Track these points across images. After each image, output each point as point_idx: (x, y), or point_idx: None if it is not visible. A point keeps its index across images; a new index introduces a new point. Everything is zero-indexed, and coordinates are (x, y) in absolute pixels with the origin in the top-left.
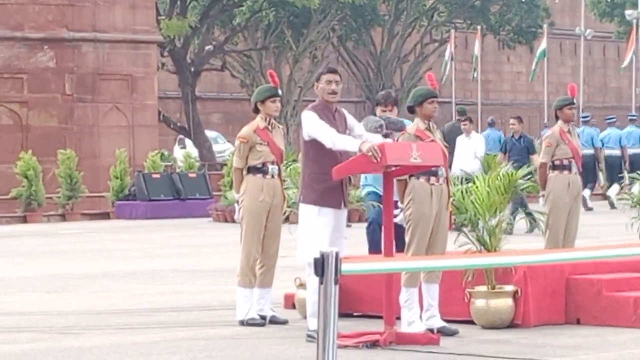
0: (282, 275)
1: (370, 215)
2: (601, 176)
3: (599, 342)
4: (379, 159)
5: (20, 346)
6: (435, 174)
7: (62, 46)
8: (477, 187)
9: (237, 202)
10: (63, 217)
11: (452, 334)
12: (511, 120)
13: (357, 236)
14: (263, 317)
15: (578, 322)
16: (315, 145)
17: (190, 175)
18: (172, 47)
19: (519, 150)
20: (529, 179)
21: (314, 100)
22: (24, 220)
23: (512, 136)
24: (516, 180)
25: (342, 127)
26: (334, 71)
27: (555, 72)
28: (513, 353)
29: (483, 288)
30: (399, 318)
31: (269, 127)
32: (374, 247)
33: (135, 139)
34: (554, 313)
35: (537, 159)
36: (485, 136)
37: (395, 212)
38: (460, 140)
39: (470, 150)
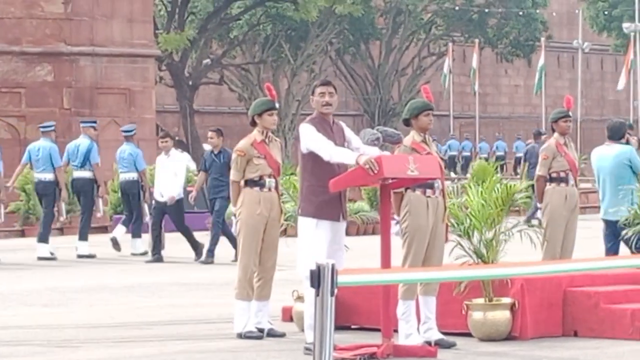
0: (280, 288)
1: None
2: None
3: (597, 355)
4: (376, 172)
5: None
6: (432, 187)
7: (60, 60)
8: (471, 199)
9: (235, 215)
10: (61, 231)
11: (450, 346)
12: (209, 134)
13: (356, 249)
14: (261, 330)
15: (575, 335)
16: (313, 158)
17: (189, 188)
18: (170, 60)
19: (219, 167)
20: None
21: (311, 114)
22: (22, 234)
23: (212, 152)
24: (514, 193)
25: (339, 140)
26: (327, 83)
27: (553, 85)
28: None
29: (480, 300)
30: (396, 330)
31: (266, 141)
32: None
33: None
34: (551, 325)
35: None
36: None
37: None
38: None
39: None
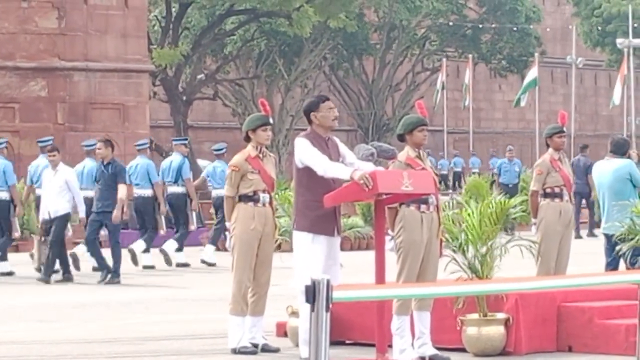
0: (274, 303)
1: None
2: None
3: None
4: (370, 187)
5: None
6: (426, 202)
7: (54, 75)
8: (468, 215)
9: (229, 230)
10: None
11: None
12: (97, 144)
13: (350, 264)
14: (255, 345)
15: (570, 350)
16: (308, 173)
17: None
18: (164, 76)
19: (108, 178)
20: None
21: (306, 129)
22: (16, 249)
23: (102, 162)
24: (508, 209)
25: (334, 155)
26: (329, 98)
27: (547, 101)
28: None
29: (475, 316)
30: (390, 346)
31: (261, 156)
32: None
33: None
34: (545, 341)
35: (124, 188)
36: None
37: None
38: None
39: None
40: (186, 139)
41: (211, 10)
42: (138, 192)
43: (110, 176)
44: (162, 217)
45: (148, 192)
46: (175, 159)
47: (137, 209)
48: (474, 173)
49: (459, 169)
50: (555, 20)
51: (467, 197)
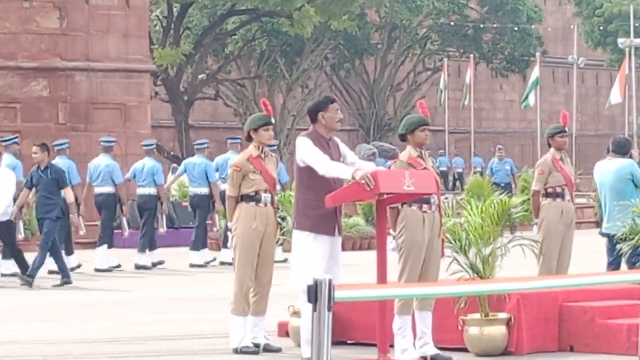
0: (276, 303)
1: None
2: None
3: None
4: (372, 187)
5: None
6: (428, 202)
7: (56, 76)
8: (470, 215)
9: (231, 230)
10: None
11: None
12: (34, 149)
13: (352, 264)
14: (257, 346)
15: (572, 350)
16: (309, 173)
17: (184, 204)
18: (166, 76)
19: (47, 183)
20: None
21: (307, 129)
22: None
23: (38, 168)
24: (509, 209)
25: (336, 155)
26: (336, 100)
27: (549, 101)
28: None
29: (477, 316)
30: (392, 346)
31: (262, 156)
32: None
33: (128, 168)
34: (547, 341)
35: (70, 191)
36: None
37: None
38: None
39: None
40: (239, 138)
41: (213, 11)
42: (195, 190)
43: (51, 181)
44: (217, 216)
45: (205, 191)
46: (232, 157)
47: (193, 206)
48: (458, 173)
49: (444, 169)
50: (557, 20)
51: (468, 197)
